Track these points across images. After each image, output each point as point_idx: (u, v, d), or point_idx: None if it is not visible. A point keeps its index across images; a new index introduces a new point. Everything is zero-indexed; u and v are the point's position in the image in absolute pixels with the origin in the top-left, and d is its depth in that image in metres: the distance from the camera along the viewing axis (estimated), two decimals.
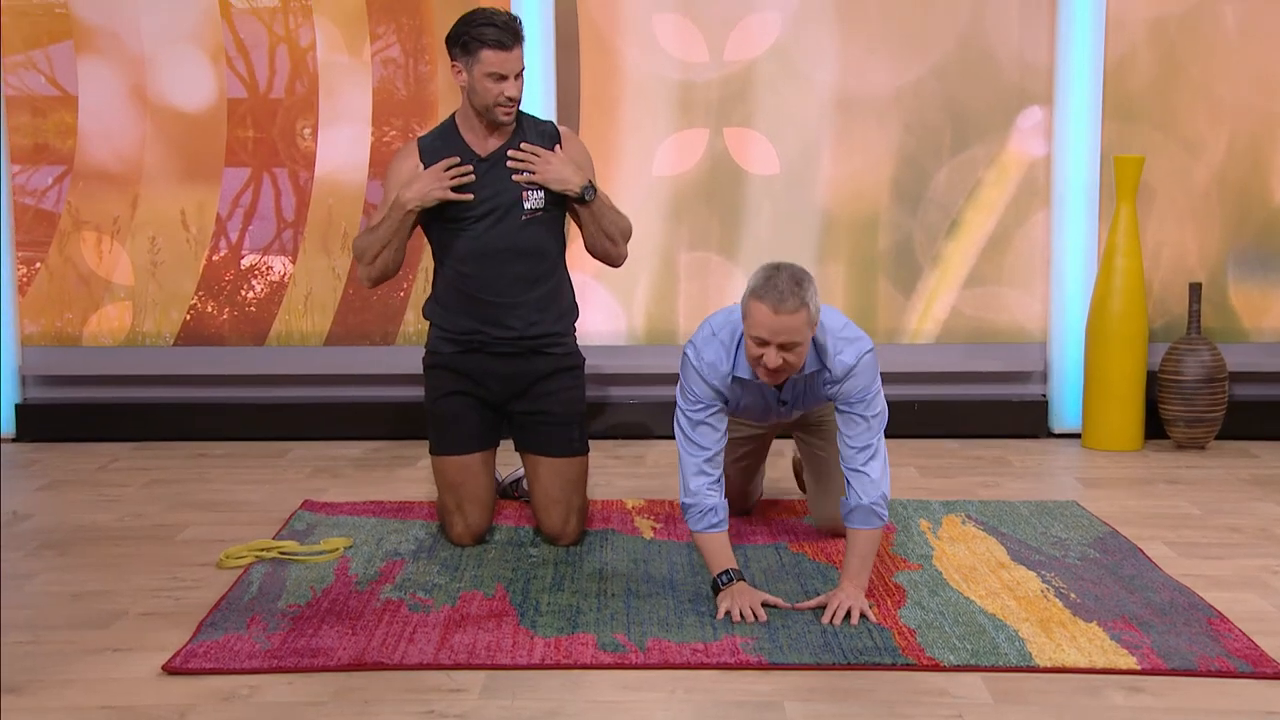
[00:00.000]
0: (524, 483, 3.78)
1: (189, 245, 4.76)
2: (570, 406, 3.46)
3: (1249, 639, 2.75)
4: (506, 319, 3.38)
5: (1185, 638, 2.75)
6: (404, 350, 4.80)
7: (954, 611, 2.92)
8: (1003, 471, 4.23)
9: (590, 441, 4.53)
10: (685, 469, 3.06)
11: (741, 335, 3.00)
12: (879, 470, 2.97)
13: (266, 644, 2.74)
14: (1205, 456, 4.39)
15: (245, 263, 4.77)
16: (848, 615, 2.86)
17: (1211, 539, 3.48)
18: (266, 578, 3.16)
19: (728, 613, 2.88)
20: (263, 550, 3.31)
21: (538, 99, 4.59)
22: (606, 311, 4.79)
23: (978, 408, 4.73)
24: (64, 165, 4.71)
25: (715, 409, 3.05)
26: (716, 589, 2.95)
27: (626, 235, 3.47)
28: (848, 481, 2.99)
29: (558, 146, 3.41)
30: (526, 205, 3.35)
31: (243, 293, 4.79)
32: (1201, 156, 4.66)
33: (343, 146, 4.73)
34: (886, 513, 2.98)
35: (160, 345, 4.78)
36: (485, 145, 3.38)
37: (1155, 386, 4.53)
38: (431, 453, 3.48)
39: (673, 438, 4.62)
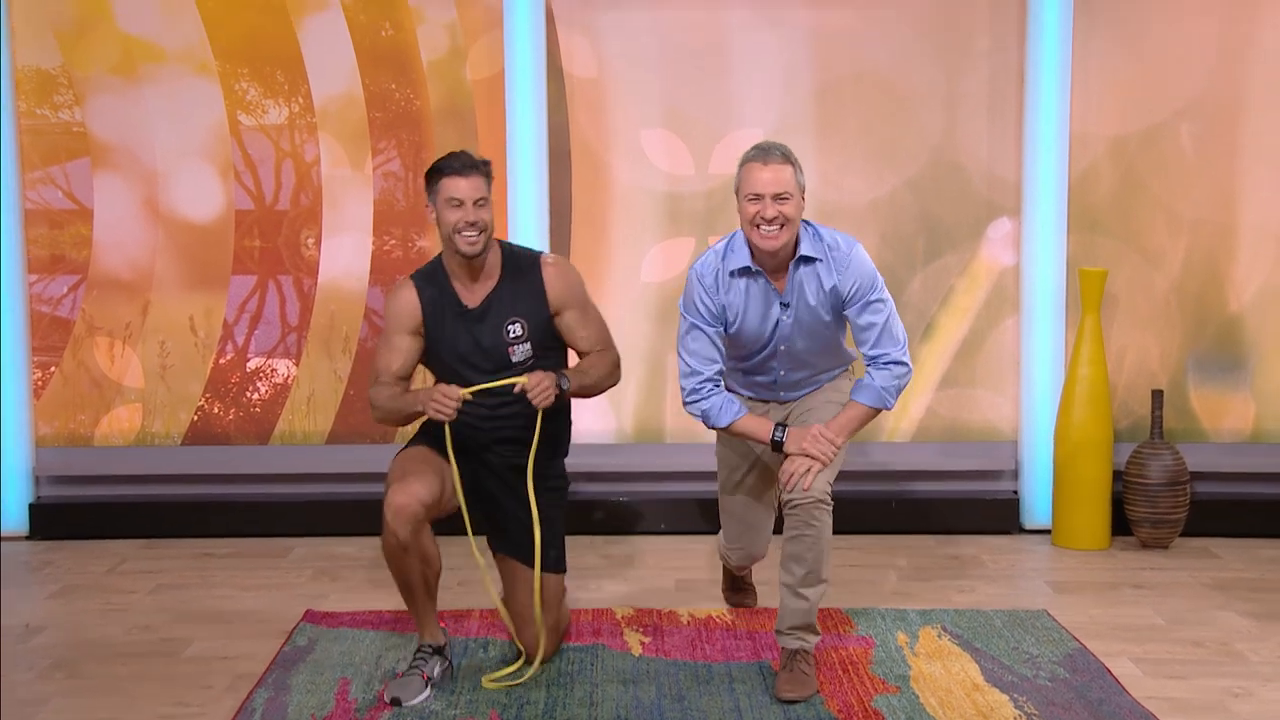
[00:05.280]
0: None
1: (197, 349, 4.75)
2: (554, 524, 3.38)
3: None
4: (505, 454, 3.33)
5: None
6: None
7: None
8: (977, 574, 4.22)
9: (580, 538, 4.56)
10: (682, 374, 3.32)
11: (731, 238, 3.28)
12: (893, 372, 3.26)
13: None
14: (1169, 557, 4.38)
15: (251, 365, 4.76)
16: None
17: (1176, 654, 3.47)
18: (269, 704, 3.13)
19: None
20: None
21: (532, 210, 4.61)
22: (596, 411, 4.78)
23: (953, 505, 4.72)
24: (79, 274, 4.70)
25: (711, 326, 3.28)
26: (778, 445, 3.26)
27: (607, 380, 3.37)
28: (867, 369, 3.28)
29: (542, 276, 3.32)
30: (514, 360, 3.30)
31: (248, 394, 4.78)
32: (1161, 267, 4.69)
33: (345, 255, 4.74)
34: (893, 401, 3.29)
35: (169, 445, 4.76)
36: (473, 295, 3.31)
37: (1121, 484, 4.53)
38: (407, 445, 3.33)
39: (661, 533, 4.70)
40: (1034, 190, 4.61)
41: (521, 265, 3.35)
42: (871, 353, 3.28)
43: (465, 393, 3.16)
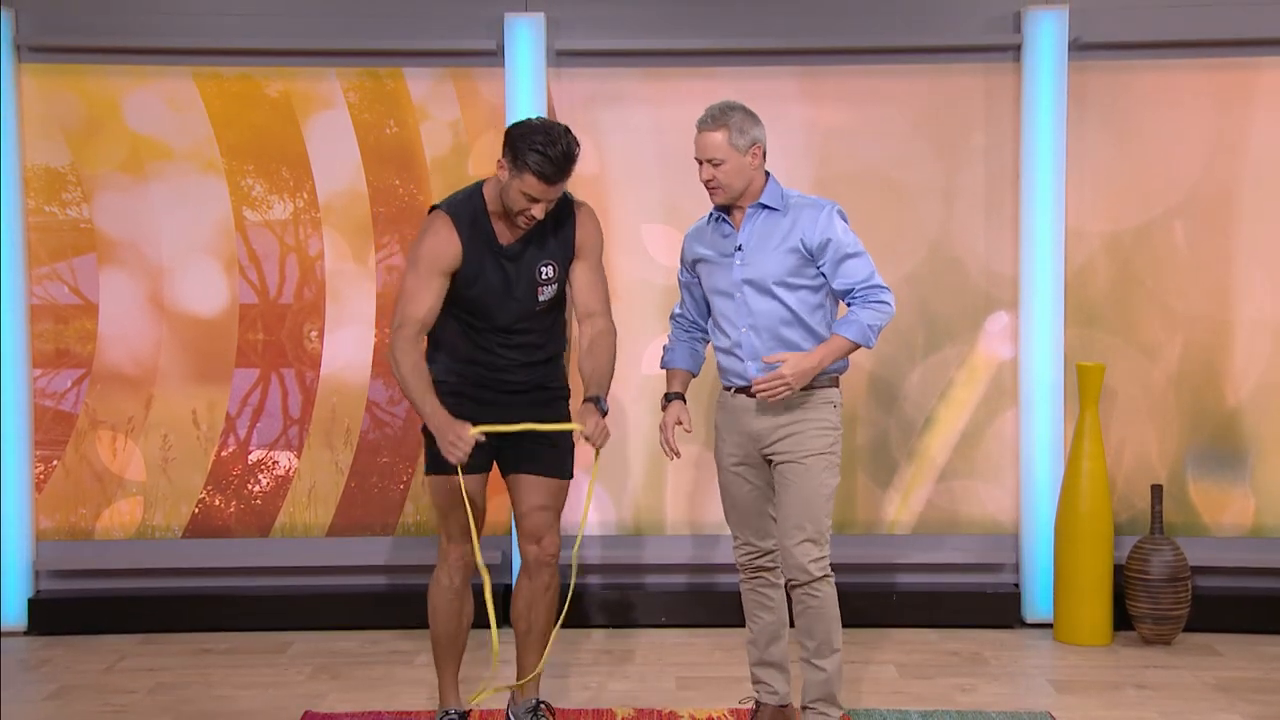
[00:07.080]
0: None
1: (199, 442, 4.74)
2: (567, 435, 3.43)
3: None
4: (508, 378, 3.39)
5: None
6: (404, 541, 4.77)
7: None
8: (978, 671, 4.18)
9: (579, 632, 4.54)
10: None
11: None
12: (877, 309, 3.34)
13: None
14: (1172, 654, 4.34)
15: (252, 458, 4.76)
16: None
17: None
18: None
19: None
20: None
21: None
22: (598, 503, 4.76)
23: (953, 598, 4.68)
24: (83, 369, 4.71)
25: (685, 275, 3.52)
26: (663, 406, 3.52)
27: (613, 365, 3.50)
28: (851, 305, 3.37)
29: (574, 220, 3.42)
30: (541, 299, 3.36)
31: (249, 486, 4.76)
32: (1159, 361, 4.69)
33: (347, 348, 4.75)
34: (875, 340, 3.34)
35: (169, 538, 4.74)
36: (508, 234, 3.34)
37: (1121, 578, 4.50)
38: (427, 472, 3.43)
39: (662, 625, 4.67)
40: (1031, 284, 4.63)
41: (559, 208, 3.38)
42: (858, 286, 3.34)
43: (476, 432, 3.22)
